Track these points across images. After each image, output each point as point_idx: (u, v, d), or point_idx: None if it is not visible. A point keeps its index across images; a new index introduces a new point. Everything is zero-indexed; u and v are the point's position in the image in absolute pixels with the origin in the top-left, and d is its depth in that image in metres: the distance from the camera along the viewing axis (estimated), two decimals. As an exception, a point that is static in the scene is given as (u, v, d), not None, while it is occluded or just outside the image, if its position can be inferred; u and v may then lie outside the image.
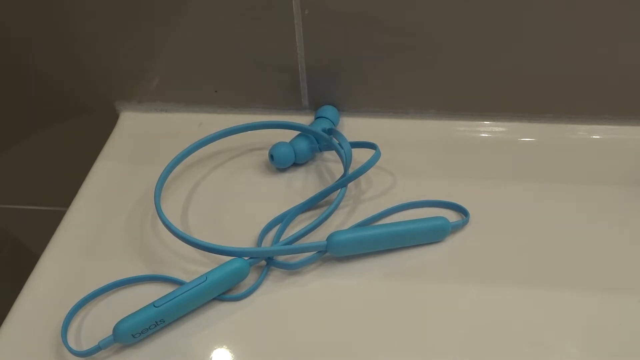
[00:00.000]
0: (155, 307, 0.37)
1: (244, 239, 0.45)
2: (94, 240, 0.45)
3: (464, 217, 0.45)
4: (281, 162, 0.49)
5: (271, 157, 0.49)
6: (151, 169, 0.49)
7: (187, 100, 0.56)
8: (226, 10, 0.48)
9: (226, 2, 0.48)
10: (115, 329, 0.37)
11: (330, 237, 0.41)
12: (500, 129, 0.53)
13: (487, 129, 0.53)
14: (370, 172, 0.46)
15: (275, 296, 0.41)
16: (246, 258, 0.40)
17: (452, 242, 0.44)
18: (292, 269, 0.42)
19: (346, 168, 0.46)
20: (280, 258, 0.43)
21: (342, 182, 0.46)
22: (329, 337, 0.38)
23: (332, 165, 0.51)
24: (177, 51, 0.52)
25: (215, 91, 0.55)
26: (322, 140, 0.50)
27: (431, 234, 0.43)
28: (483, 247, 0.43)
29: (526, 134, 0.52)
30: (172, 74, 0.54)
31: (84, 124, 0.59)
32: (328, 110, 0.53)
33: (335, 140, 0.49)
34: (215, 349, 0.38)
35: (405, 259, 0.43)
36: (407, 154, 0.51)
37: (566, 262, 0.42)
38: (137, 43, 0.52)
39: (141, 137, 0.55)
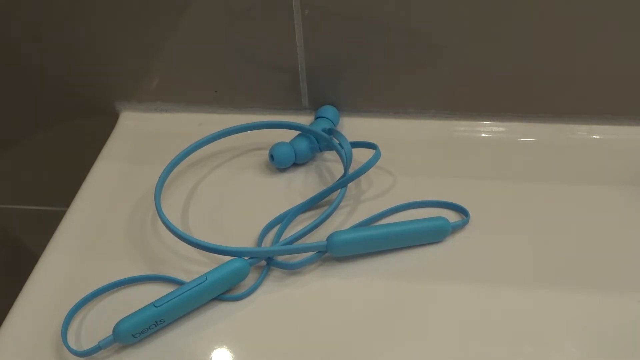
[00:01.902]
0: (155, 307, 0.37)
1: (244, 239, 0.45)
2: (94, 240, 0.45)
3: (464, 217, 0.45)
4: (281, 162, 0.49)
5: (271, 157, 0.49)
6: (151, 169, 0.49)
7: (187, 100, 0.56)
8: (226, 11, 0.48)
9: (226, 2, 0.48)
10: (115, 329, 0.37)
11: (330, 238, 0.41)
12: (500, 129, 0.53)
13: (487, 129, 0.53)
14: (370, 172, 0.46)
15: (275, 296, 0.41)
16: (246, 258, 0.40)
17: (452, 242, 0.44)
18: (292, 269, 0.42)
19: (346, 168, 0.46)
20: (280, 258, 0.43)
21: (342, 182, 0.46)
22: (329, 337, 0.38)
23: (332, 165, 0.51)
24: (177, 51, 0.52)
25: (215, 91, 0.55)
26: (322, 140, 0.50)
27: (431, 234, 0.43)
28: (483, 247, 0.43)
29: (526, 134, 0.52)
30: (172, 74, 0.54)
31: (84, 124, 0.59)
32: (328, 110, 0.53)
33: (335, 140, 0.49)
34: (215, 349, 0.38)
35: (406, 259, 0.43)
36: (407, 154, 0.51)
37: (566, 262, 0.42)
38: (137, 43, 0.52)
39: (141, 137, 0.55)
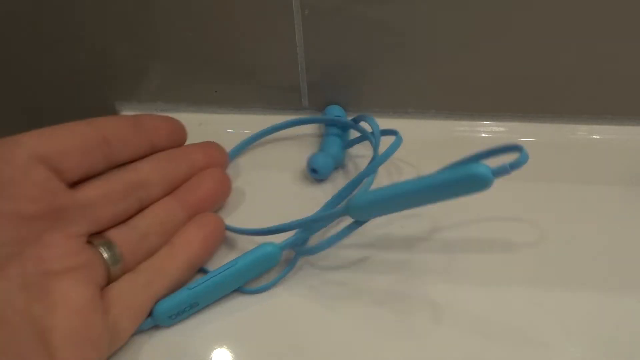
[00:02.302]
0: (189, 289, 0.38)
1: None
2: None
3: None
4: (325, 173, 0.48)
5: (313, 171, 0.48)
6: (151, 169, 0.49)
7: (187, 100, 0.56)
8: (226, 10, 0.48)
9: (226, 2, 0.48)
10: (153, 310, 0.38)
11: (350, 200, 0.39)
12: (500, 129, 0.53)
13: (487, 129, 0.53)
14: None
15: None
16: (276, 242, 0.41)
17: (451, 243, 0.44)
18: (320, 250, 0.41)
19: (376, 151, 0.46)
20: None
21: (373, 167, 0.44)
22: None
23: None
24: (177, 51, 0.52)
25: (215, 91, 0.55)
26: (345, 137, 0.50)
27: (468, 185, 0.35)
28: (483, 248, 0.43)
29: (526, 134, 0.52)
30: (172, 74, 0.54)
31: (84, 124, 0.59)
32: (335, 110, 0.53)
33: (365, 129, 0.49)
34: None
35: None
36: (407, 154, 0.51)
37: (566, 262, 0.42)
38: (137, 43, 0.52)
39: (141, 137, 0.55)
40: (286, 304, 0.41)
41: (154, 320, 0.38)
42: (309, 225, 0.42)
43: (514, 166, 0.34)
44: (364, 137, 0.49)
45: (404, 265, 0.42)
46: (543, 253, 0.43)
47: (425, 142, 0.52)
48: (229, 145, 0.52)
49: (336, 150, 0.49)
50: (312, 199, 0.46)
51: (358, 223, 0.40)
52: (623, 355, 0.37)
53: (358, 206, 0.38)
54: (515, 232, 0.44)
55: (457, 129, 0.53)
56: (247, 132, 0.51)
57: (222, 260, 0.42)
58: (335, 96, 0.54)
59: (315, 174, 0.48)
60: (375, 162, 0.45)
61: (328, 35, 0.49)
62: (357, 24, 0.48)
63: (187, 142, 0.48)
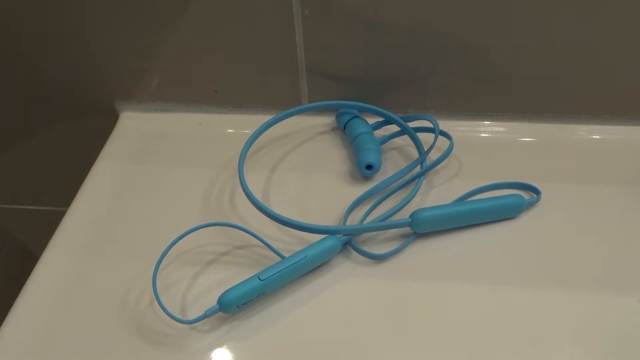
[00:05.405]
0: (260, 280, 0.39)
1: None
2: (94, 240, 0.45)
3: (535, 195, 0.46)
4: (379, 168, 0.49)
5: (368, 167, 0.48)
6: (151, 169, 0.49)
7: (187, 100, 0.56)
8: (226, 10, 0.48)
9: (226, 2, 0.48)
10: (221, 299, 0.38)
11: (414, 214, 0.43)
12: (500, 129, 0.53)
13: (487, 129, 0.53)
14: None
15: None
16: (339, 236, 0.42)
17: (449, 241, 0.44)
18: (388, 257, 0.43)
19: (422, 154, 0.49)
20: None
21: (423, 171, 0.48)
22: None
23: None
24: (177, 51, 0.52)
25: (215, 91, 0.55)
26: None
27: (507, 211, 0.45)
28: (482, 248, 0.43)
29: (526, 134, 0.52)
30: (172, 74, 0.54)
31: (84, 124, 0.59)
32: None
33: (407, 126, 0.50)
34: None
35: (408, 258, 0.43)
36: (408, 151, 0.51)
37: (566, 261, 0.42)
38: (137, 43, 0.52)
39: (141, 137, 0.55)
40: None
41: (221, 308, 0.38)
42: (369, 229, 0.43)
43: (530, 203, 0.46)
44: (400, 133, 0.51)
45: (400, 265, 0.43)
46: (542, 253, 0.43)
47: (425, 141, 0.52)
48: (229, 145, 0.52)
49: (378, 146, 0.50)
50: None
51: (416, 234, 0.44)
52: (623, 355, 0.37)
53: (422, 222, 0.43)
54: (515, 232, 0.44)
55: (457, 129, 0.53)
56: (247, 132, 0.51)
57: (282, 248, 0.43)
58: (335, 96, 0.53)
59: (370, 170, 0.48)
60: (429, 166, 0.48)
61: (328, 35, 0.49)
62: (356, 25, 0.48)
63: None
